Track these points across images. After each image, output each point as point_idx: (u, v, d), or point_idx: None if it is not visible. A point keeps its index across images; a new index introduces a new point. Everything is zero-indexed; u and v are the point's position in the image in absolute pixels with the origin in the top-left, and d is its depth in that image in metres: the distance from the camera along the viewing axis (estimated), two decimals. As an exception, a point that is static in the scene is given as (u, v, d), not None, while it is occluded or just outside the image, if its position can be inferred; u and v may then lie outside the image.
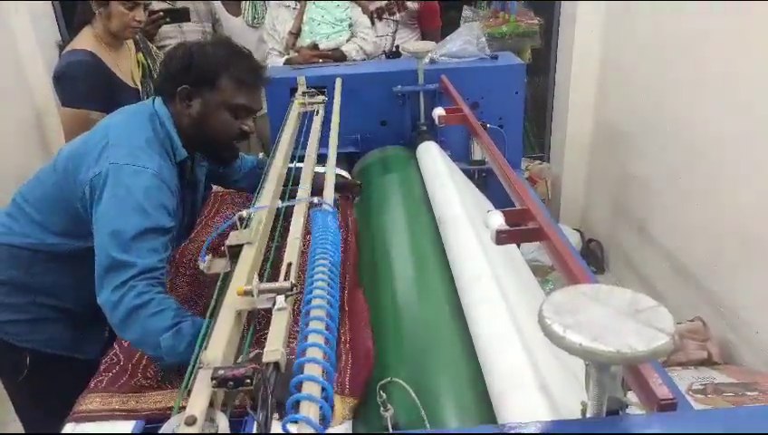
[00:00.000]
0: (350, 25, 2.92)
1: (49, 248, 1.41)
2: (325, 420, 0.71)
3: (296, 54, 2.81)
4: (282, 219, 1.29)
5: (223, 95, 1.37)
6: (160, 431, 0.73)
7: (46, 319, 1.47)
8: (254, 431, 0.70)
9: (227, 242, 1.10)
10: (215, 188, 1.93)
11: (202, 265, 1.13)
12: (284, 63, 2.74)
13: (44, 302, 1.46)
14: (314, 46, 2.81)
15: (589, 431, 0.64)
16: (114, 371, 1.22)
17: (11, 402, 1.60)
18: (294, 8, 2.90)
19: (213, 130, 1.40)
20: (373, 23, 3.04)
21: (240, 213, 1.13)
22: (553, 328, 0.60)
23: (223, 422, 0.74)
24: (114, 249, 1.18)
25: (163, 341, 1.12)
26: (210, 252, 1.14)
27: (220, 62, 1.37)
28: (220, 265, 1.12)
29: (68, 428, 1.10)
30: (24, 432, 1.64)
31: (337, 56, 2.82)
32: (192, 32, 2.79)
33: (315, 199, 1.22)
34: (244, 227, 1.12)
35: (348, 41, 2.90)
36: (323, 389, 0.73)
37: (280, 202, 1.32)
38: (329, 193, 1.29)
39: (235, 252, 1.08)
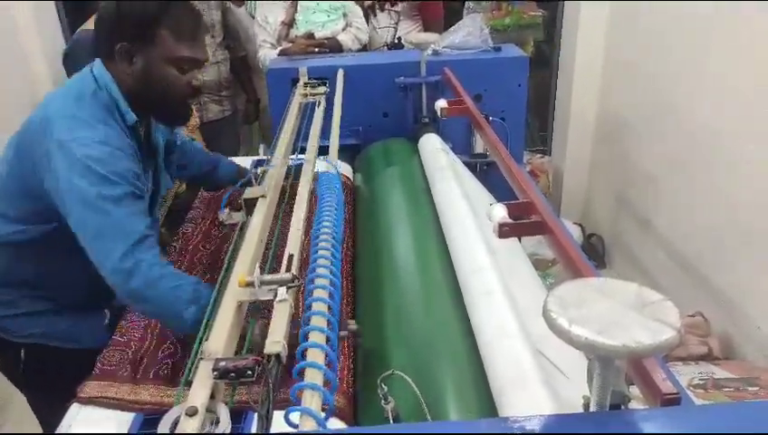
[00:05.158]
0: (344, 15, 2.89)
1: (15, 238, 1.33)
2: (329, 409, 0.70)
3: (290, 45, 2.76)
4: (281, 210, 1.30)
5: (163, 49, 1.26)
6: (161, 423, 0.72)
7: (41, 311, 1.43)
8: (255, 423, 0.70)
9: (243, 196, 1.25)
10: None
11: (222, 217, 1.33)
12: (278, 55, 2.71)
13: (32, 294, 1.41)
14: (310, 35, 2.78)
15: (592, 425, 0.64)
16: (117, 360, 1.21)
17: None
18: None
19: (160, 88, 1.29)
20: (368, 14, 3.02)
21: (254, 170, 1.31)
22: (558, 322, 0.59)
23: (224, 414, 0.74)
24: (97, 216, 1.15)
25: (187, 313, 1.12)
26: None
27: (153, 13, 1.25)
28: (238, 217, 1.28)
29: (73, 408, 1.09)
30: (21, 432, 1.64)
31: (332, 45, 2.78)
32: None
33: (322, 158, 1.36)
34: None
35: (343, 30, 2.87)
36: (326, 380, 0.73)
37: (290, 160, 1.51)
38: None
39: (250, 204, 1.20)
